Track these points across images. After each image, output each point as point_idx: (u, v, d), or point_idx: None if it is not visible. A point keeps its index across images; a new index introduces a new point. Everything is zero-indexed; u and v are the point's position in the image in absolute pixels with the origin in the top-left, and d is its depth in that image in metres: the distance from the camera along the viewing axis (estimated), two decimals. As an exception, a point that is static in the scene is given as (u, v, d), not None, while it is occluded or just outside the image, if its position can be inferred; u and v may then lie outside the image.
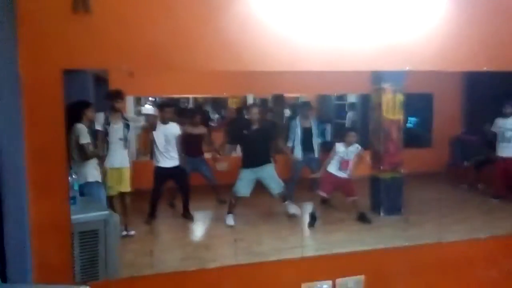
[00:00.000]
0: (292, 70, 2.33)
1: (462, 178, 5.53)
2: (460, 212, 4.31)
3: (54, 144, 2.02)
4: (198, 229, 4.23)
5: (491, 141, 5.11)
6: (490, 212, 4.34)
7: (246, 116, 4.64)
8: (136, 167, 5.22)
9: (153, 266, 2.73)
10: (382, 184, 4.22)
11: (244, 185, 4.09)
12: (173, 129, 4.07)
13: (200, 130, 4.55)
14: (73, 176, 2.43)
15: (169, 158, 4.00)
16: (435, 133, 6.63)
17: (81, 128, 2.95)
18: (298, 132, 4.78)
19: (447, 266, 2.66)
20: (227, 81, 5.38)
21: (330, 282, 2.40)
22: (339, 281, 2.41)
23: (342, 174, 4.17)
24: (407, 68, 2.46)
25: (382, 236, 3.62)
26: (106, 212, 2.42)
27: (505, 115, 4.71)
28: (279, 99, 6.30)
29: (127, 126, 3.49)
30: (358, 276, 2.46)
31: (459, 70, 2.64)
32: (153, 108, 4.80)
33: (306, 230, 3.94)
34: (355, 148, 4.19)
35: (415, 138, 5.89)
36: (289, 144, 4.75)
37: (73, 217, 2.10)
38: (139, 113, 4.94)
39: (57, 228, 2.04)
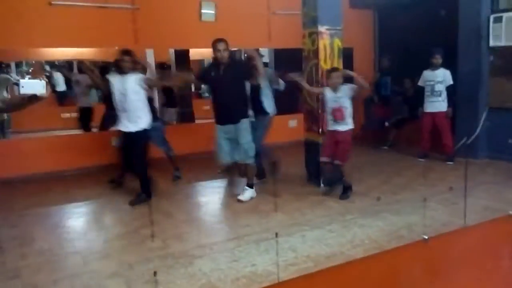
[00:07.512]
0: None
1: (378, 140, 5.17)
2: (398, 175, 3.85)
3: None
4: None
5: (413, 98, 4.74)
6: (425, 174, 3.93)
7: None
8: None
9: None
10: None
11: None
12: None
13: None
14: None
15: None
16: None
17: None
18: None
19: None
20: (118, 35, 4.26)
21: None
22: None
23: (338, 127, 3.16)
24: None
25: (333, 215, 2.88)
26: None
27: (435, 67, 4.24)
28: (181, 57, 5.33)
29: None
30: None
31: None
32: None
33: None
34: (346, 90, 3.10)
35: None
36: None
37: None
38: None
39: None
